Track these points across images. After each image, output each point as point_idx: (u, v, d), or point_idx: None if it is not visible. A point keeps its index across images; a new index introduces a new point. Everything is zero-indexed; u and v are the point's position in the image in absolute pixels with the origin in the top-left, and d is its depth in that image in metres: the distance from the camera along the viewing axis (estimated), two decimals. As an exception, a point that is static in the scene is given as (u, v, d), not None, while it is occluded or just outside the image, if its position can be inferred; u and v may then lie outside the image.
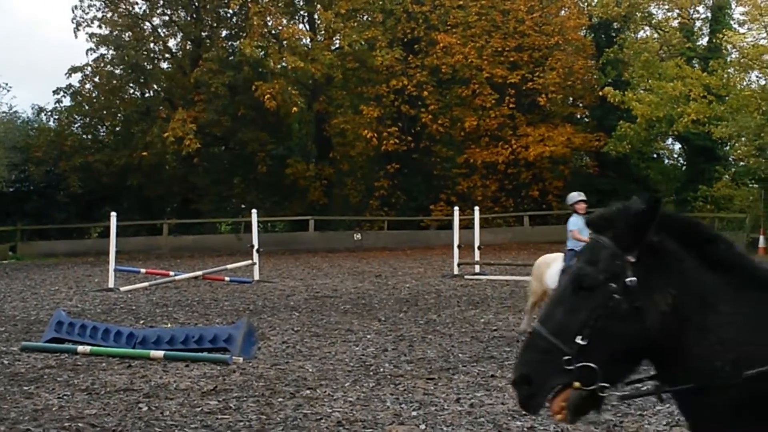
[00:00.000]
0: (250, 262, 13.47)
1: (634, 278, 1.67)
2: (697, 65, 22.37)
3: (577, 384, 1.65)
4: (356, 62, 22.30)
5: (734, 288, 1.72)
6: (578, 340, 1.67)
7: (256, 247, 13.39)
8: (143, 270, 13.85)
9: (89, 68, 22.09)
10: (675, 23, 23.18)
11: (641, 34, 23.96)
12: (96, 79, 22.19)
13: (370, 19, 22.83)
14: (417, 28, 22.38)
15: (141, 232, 22.14)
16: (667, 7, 23.06)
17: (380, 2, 22.04)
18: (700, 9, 23.39)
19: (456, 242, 13.83)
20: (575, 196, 7.86)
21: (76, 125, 22.95)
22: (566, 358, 1.66)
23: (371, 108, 21.83)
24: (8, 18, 44.59)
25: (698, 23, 23.74)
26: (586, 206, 7.68)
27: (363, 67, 22.10)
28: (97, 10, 21.90)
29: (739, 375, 1.63)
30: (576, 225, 7.17)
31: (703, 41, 23.38)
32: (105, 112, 23.01)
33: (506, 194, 23.27)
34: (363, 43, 22.07)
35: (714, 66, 21.35)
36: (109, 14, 22.09)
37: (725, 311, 1.71)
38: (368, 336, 7.78)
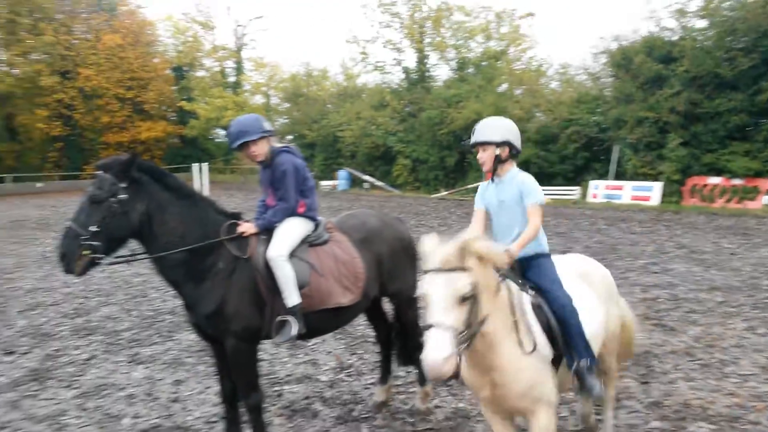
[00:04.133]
0: None
1: (126, 195, 3.15)
2: (230, 90, 43.99)
3: (86, 252, 3.09)
4: (30, 83, 37.52)
5: (176, 199, 3.33)
6: (92, 228, 3.08)
7: None
8: None
9: None
10: (217, 68, 44.62)
11: (200, 73, 44.73)
12: None
13: (36, 58, 38.20)
14: (68, 64, 38.66)
15: None
16: (213, 60, 44.35)
17: (44, 49, 37.69)
18: (230, 62, 45.31)
19: None
20: None
21: None
22: (83, 238, 3.08)
23: (41, 110, 37.38)
24: None
25: (229, 68, 45.64)
26: None
27: (35, 86, 37.50)
28: None
29: (183, 245, 3.29)
30: None
31: (233, 78, 45.39)
32: None
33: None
34: (33, 72, 37.46)
35: (239, 92, 43.27)
36: None
37: (172, 212, 3.30)
38: (49, 240, 15.78)
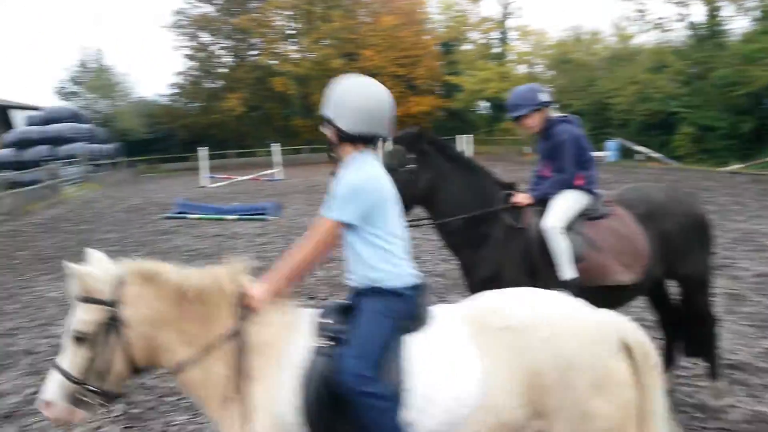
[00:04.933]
0: (275, 170, 27.25)
1: (414, 165, 3.42)
2: (494, 62, 44.19)
3: None
4: (322, 66, 42.90)
5: (457, 169, 3.50)
6: None
7: (278, 162, 27.96)
8: (221, 175, 25.50)
9: (182, 74, 41.97)
10: (482, 40, 45.10)
11: (465, 46, 45.71)
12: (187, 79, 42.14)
13: (327, 43, 43.40)
14: (352, 47, 43.08)
15: (215, 157, 42.15)
16: (478, 33, 44.96)
17: (333, 34, 42.63)
18: (495, 33, 45.38)
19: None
20: None
21: (179, 103, 42.71)
22: None
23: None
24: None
25: (494, 40, 45.73)
26: None
27: (327, 68, 42.72)
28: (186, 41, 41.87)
29: (462, 212, 3.43)
30: None
31: (497, 49, 45.42)
32: (192, 96, 43.04)
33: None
34: (324, 56, 42.69)
35: (503, 63, 43.37)
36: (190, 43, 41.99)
37: (454, 181, 3.47)
38: None
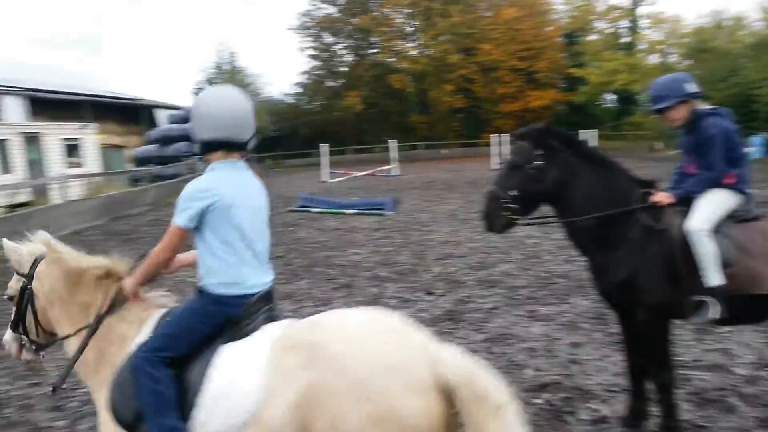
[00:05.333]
0: (392, 166, 27.77)
1: (541, 162, 3.28)
2: (623, 52, 41.71)
3: (506, 214, 3.32)
4: (439, 62, 42.83)
5: (589, 165, 3.34)
6: (511, 192, 3.29)
7: (394, 158, 28.66)
8: (340, 171, 27.01)
9: (306, 74, 43.96)
10: (610, 30, 42.74)
11: (591, 37, 43.50)
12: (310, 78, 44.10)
13: (445, 38, 43.25)
14: (470, 41, 42.61)
15: (335, 153, 43.63)
16: (605, 22, 42.65)
17: (451, 29, 42.40)
18: (625, 22, 42.82)
19: (493, 151, 28.19)
20: None
21: (302, 102, 44.85)
22: (503, 201, 3.31)
23: (448, 85, 42.35)
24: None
25: (623, 29, 43.16)
26: None
27: (444, 64, 42.58)
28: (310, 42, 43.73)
29: (594, 211, 3.28)
30: None
31: (626, 39, 42.79)
32: (315, 95, 44.95)
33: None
34: (442, 52, 42.55)
35: (632, 53, 40.86)
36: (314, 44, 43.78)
37: (585, 178, 3.28)
38: (453, 200, 15.63)
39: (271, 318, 2.40)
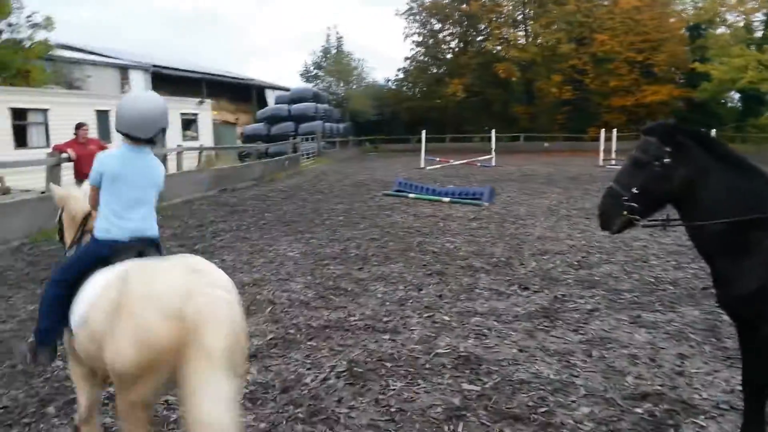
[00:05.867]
0: (490, 156, 27.35)
1: (669, 159, 3.02)
2: (754, 48, 38.21)
3: (625, 213, 3.10)
4: (549, 51, 41.32)
5: (723, 166, 3.02)
6: (633, 190, 3.05)
7: (494, 148, 28.24)
8: (438, 158, 26.54)
9: (409, 60, 44.00)
10: (741, 23, 39.28)
11: (719, 30, 40.21)
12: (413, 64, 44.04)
13: (557, 27, 41.64)
14: (584, 31, 40.73)
15: (433, 141, 43.47)
16: (737, 14, 39.22)
17: (565, 18, 40.73)
18: (759, 15, 39.18)
19: (602, 147, 26.69)
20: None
21: (404, 88, 45.05)
22: (624, 199, 3.10)
23: (556, 75, 40.81)
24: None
25: (756, 22, 39.53)
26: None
27: (554, 54, 41.08)
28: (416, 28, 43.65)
29: (725, 216, 2.93)
30: None
31: (759, 33, 39.13)
32: (417, 81, 44.91)
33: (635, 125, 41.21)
34: (554, 40, 41.00)
35: (765, 49, 37.37)
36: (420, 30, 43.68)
37: (717, 179, 3.01)
38: (553, 195, 15.17)
39: (141, 254, 3.14)
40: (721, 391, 4.05)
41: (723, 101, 41.13)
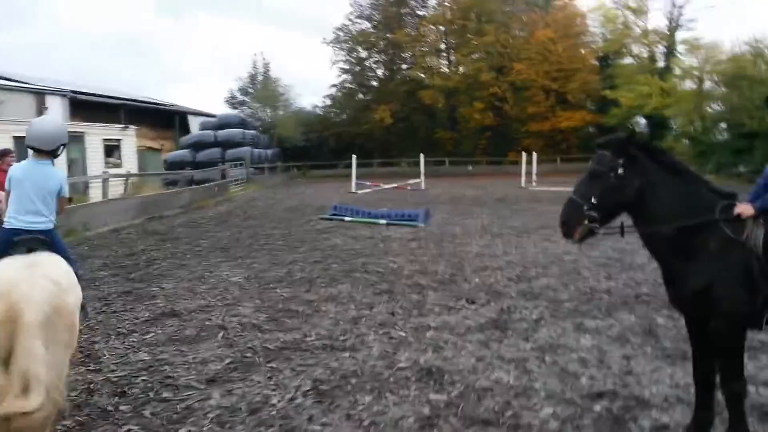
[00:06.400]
0: (419, 180, 28.99)
1: (623, 170, 3.32)
2: (657, 77, 41.37)
3: (586, 222, 3.33)
4: (471, 79, 42.96)
5: (671, 175, 3.37)
6: (592, 200, 3.33)
7: (422, 172, 29.66)
8: (368, 183, 27.37)
9: (336, 87, 44.39)
10: (645, 54, 42.53)
11: (626, 60, 43.32)
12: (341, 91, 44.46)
13: (478, 56, 43.44)
14: (503, 60, 42.74)
15: (361, 166, 43.81)
16: (641, 46, 42.46)
17: (485, 48, 42.58)
18: (660, 46, 42.58)
19: (524, 170, 28.74)
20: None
21: (332, 114, 45.25)
22: (584, 209, 3.34)
23: (478, 103, 42.46)
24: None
25: (659, 53, 42.88)
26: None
27: (475, 82, 42.72)
28: (343, 56, 44.28)
29: (673, 221, 3.27)
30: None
31: (661, 63, 42.50)
32: (345, 107, 45.29)
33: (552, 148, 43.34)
34: (475, 69, 42.71)
35: (667, 78, 40.52)
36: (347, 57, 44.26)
37: (665, 188, 3.34)
38: (484, 215, 15.89)
39: (31, 250, 3.82)
40: (667, 387, 4.35)
41: (631, 126, 44.00)
